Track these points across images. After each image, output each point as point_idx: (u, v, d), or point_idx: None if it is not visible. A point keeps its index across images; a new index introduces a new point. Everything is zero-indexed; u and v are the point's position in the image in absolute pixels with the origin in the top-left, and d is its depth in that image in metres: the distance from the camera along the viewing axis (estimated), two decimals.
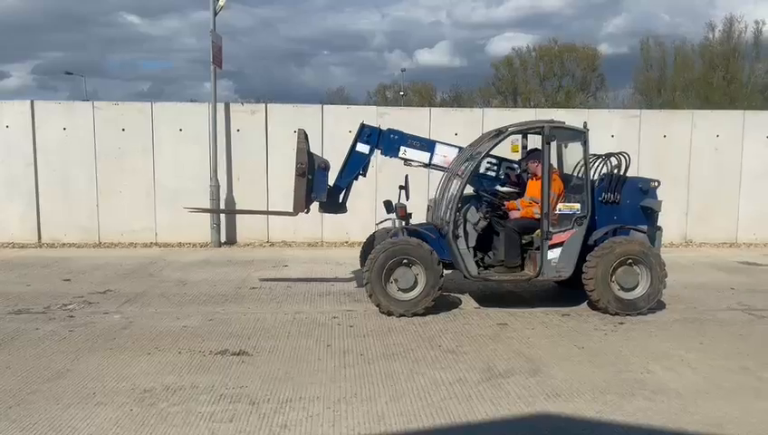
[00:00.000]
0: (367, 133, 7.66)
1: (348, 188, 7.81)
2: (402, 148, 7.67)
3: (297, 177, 7.30)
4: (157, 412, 4.22)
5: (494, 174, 7.90)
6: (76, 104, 12.49)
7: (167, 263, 10.06)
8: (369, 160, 7.75)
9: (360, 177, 7.79)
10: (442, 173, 7.75)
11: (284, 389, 4.66)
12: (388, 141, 7.69)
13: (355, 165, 7.68)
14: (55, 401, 4.41)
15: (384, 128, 7.78)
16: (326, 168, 7.52)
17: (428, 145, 7.74)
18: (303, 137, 7.48)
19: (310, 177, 7.37)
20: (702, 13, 59.23)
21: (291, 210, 7.46)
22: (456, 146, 7.80)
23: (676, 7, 62.40)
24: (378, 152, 7.76)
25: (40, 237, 11.86)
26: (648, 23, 61.33)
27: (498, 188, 7.95)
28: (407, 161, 7.78)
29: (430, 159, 7.71)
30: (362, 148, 7.65)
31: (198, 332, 6.16)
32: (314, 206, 7.63)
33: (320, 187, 7.49)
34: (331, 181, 7.64)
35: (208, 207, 11.61)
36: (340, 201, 7.82)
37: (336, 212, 7.94)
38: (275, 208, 11.88)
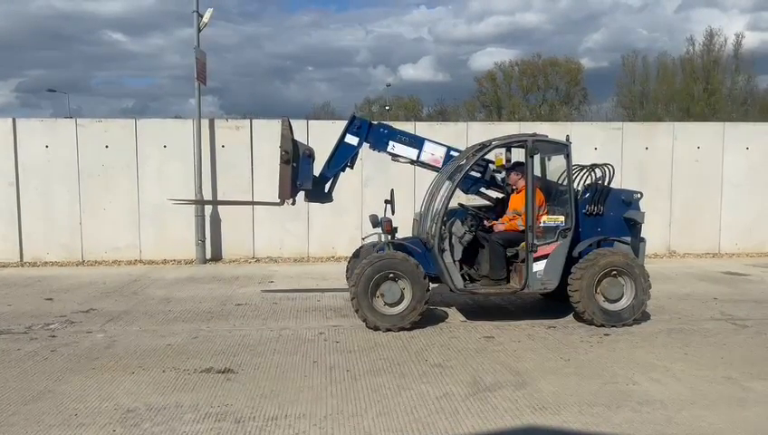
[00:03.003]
0: (357, 125, 7.66)
1: (335, 179, 7.80)
2: (391, 142, 7.67)
3: (282, 164, 7.26)
4: (140, 433, 4.16)
5: (479, 175, 7.90)
6: (59, 121, 12.40)
7: (151, 280, 9.97)
8: (357, 153, 7.74)
9: (347, 168, 7.78)
10: (428, 186, 7.78)
11: (270, 406, 4.61)
12: (377, 135, 7.69)
13: (343, 156, 7.65)
14: (36, 423, 4.33)
15: (374, 122, 7.80)
16: (311, 155, 7.50)
17: (417, 142, 7.75)
18: (288, 125, 7.45)
19: (294, 165, 7.34)
20: (678, 27, 60.47)
21: (276, 201, 7.42)
22: (444, 145, 7.83)
23: (653, 22, 63.62)
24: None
25: (22, 256, 11.72)
26: (626, 38, 62.43)
27: (483, 190, 7.99)
28: (394, 157, 7.80)
29: (418, 156, 7.71)
30: (351, 139, 7.63)
31: (183, 350, 6.10)
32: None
33: (305, 174, 7.47)
34: (318, 172, 7.63)
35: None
36: (327, 191, 7.79)
37: (323, 201, 7.96)
38: (263, 225, 11.91)
